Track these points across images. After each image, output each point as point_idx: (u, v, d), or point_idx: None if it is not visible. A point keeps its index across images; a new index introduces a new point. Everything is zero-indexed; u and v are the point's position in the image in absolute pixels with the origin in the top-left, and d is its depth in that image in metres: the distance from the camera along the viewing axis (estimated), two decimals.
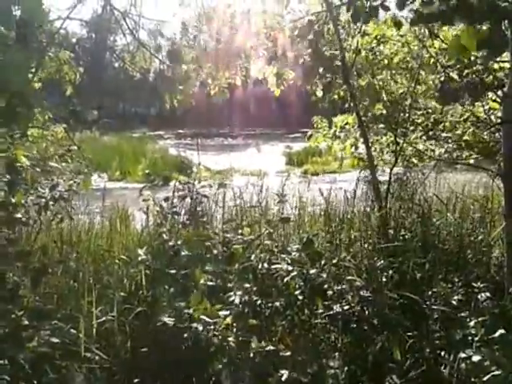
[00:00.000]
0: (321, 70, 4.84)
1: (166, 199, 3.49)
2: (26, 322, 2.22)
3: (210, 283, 2.77)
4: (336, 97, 5.07)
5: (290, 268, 2.75)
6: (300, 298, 2.71)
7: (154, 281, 2.95)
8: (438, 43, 4.33)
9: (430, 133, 4.97)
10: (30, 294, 2.42)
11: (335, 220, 4.34)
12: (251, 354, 2.31)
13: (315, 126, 5.41)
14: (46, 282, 2.89)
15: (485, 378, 1.91)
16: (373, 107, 5.04)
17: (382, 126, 5.18)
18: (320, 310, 2.71)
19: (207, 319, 2.28)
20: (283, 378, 2.17)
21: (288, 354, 2.26)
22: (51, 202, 3.11)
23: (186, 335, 2.36)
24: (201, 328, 2.28)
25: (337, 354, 2.64)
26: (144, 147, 18.86)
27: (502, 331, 2.04)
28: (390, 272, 3.16)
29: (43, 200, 3.09)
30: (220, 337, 2.30)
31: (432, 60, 4.55)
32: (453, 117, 4.90)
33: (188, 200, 3.66)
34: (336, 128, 5.28)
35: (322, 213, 4.69)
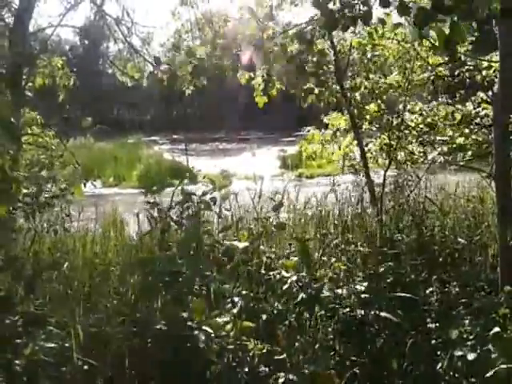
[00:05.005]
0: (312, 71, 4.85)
1: (169, 207, 3.43)
2: (20, 329, 2.20)
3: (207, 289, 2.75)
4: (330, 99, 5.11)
5: (288, 274, 2.75)
6: (298, 304, 2.70)
7: (151, 288, 2.93)
8: (426, 42, 4.36)
9: (424, 136, 5.01)
10: (24, 301, 2.40)
11: (331, 223, 4.35)
12: (249, 358, 2.30)
13: (307, 135, 5.50)
14: (40, 289, 2.87)
15: (488, 374, 1.90)
16: (366, 110, 5.08)
17: (375, 128, 5.22)
18: (319, 313, 2.70)
19: (209, 329, 2.26)
20: (280, 381, 2.16)
21: (284, 355, 2.26)
22: (36, 208, 3.07)
23: (188, 344, 2.34)
24: (203, 337, 2.26)
25: (335, 356, 2.64)
26: (139, 153, 18.82)
27: (497, 329, 2.05)
28: (388, 274, 3.16)
29: (29, 207, 3.05)
30: (220, 344, 2.28)
31: (420, 61, 4.59)
32: (445, 120, 4.94)
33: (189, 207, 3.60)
34: (333, 127, 5.33)
35: (318, 216, 4.69)
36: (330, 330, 2.74)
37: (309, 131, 5.64)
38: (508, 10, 1.97)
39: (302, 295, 2.63)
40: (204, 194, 3.19)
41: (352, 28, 3.41)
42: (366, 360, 2.59)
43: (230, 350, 2.28)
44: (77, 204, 4.36)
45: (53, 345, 2.16)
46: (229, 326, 2.30)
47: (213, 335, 2.25)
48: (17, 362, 2.06)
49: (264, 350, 2.26)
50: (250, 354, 2.31)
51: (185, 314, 2.36)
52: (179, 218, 3.20)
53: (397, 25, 4.09)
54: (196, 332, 2.26)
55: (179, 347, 2.39)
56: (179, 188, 3.27)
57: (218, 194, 3.42)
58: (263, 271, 2.85)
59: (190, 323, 2.29)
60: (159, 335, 2.47)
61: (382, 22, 3.83)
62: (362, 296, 2.76)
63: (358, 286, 2.81)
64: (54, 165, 4.99)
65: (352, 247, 3.64)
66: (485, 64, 3.89)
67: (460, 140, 4.72)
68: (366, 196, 4.98)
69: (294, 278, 2.71)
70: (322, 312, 2.67)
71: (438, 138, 4.89)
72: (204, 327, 2.25)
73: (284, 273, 2.77)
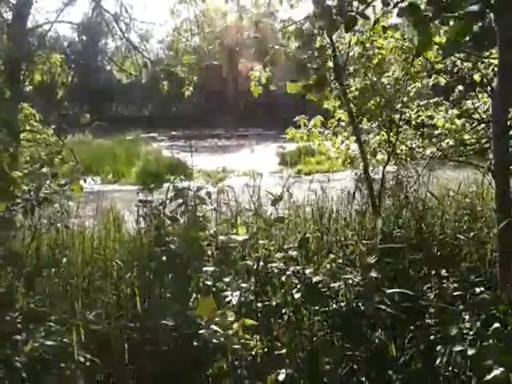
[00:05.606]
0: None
1: (162, 204, 3.42)
2: (20, 326, 2.21)
3: (208, 283, 2.76)
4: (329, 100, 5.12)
5: (285, 267, 2.76)
6: (296, 296, 2.71)
7: (150, 284, 2.94)
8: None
9: (423, 130, 5.01)
10: (24, 297, 2.40)
11: (329, 219, 4.35)
12: (251, 354, 2.30)
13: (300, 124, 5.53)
14: (39, 285, 2.87)
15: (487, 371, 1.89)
16: (365, 105, 5.08)
17: (374, 125, 5.22)
18: (316, 307, 2.71)
19: (218, 329, 2.23)
20: (280, 378, 2.17)
21: (283, 351, 2.26)
22: (35, 203, 3.07)
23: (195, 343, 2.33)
24: (207, 336, 2.24)
25: (333, 350, 2.64)
26: (137, 149, 18.78)
27: (497, 325, 2.05)
28: (386, 269, 3.17)
29: (28, 203, 3.05)
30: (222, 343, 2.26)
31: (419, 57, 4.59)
32: (445, 114, 4.95)
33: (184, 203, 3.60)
34: (332, 124, 5.34)
35: (317, 212, 4.69)
36: (325, 323, 2.74)
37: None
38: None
39: (299, 286, 2.64)
40: (199, 189, 3.19)
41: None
42: (363, 354, 2.59)
43: (235, 348, 2.26)
44: (76, 201, 4.35)
45: (53, 342, 2.17)
46: (236, 325, 2.28)
47: (219, 334, 2.22)
48: (17, 358, 2.06)
49: (266, 350, 2.25)
50: (252, 353, 2.30)
51: (189, 312, 2.33)
52: (174, 214, 3.21)
53: (394, 27, 4.12)
54: (203, 331, 2.23)
55: (184, 344, 2.39)
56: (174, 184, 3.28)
57: (215, 189, 3.43)
58: (261, 264, 2.86)
59: (199, 321, 2.25)
60: (166, 330, 2.47)
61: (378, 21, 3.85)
62: (357, 289, 2.77)
63: (351, 280, 2.81)
64: (53, 161, 4.99)
65: (350, 242, 3.64)
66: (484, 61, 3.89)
67: (459, 135, 4.72)
68: (365, 192, 4.98)
69: (292, 268, 2.72)
70: (317, 307, 2.68)
71: (436, 132, 4.89)
72: (213, 326, 2.21)
73: (282, 265, 2.77)
